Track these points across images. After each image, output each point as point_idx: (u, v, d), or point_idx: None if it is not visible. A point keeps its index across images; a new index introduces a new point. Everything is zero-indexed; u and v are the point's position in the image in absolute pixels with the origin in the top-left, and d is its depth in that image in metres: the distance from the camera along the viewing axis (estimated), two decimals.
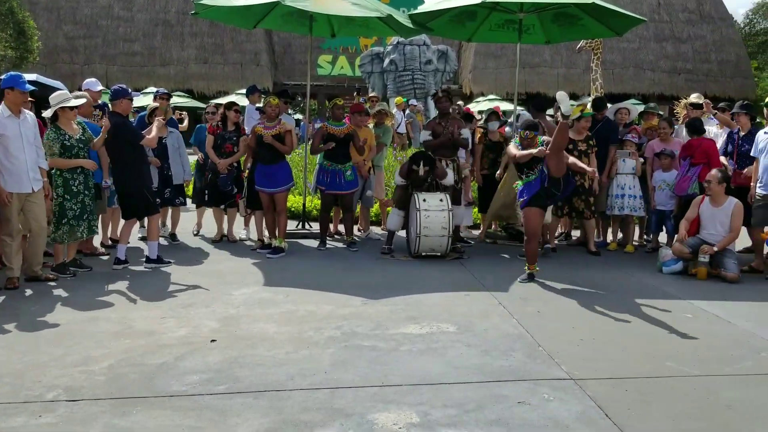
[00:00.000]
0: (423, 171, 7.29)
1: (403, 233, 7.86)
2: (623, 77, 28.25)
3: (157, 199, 7.61)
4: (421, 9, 8.81)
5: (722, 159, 7.60)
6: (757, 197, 6.96)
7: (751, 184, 7.03)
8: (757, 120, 7.63)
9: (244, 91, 25.09)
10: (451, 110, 7.99)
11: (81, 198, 6.25)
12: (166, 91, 8.54)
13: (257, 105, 8.84)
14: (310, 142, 8.32)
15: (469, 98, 26.41)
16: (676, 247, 6.86)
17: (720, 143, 7.89)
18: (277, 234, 7.52)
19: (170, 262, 6.81)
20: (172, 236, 8.04)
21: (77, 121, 6.38)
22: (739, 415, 3.50)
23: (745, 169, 7.21)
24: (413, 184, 7.46)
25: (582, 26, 8.62)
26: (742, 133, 7.52)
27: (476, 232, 8.84)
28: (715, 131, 8.26)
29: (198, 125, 8.09)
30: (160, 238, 7.42)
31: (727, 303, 5.77)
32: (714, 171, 6.87)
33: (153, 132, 6.60)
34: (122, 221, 6.92)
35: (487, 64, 28.40)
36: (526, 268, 6.44)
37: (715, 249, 6.66)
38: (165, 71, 28.42)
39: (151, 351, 4.27)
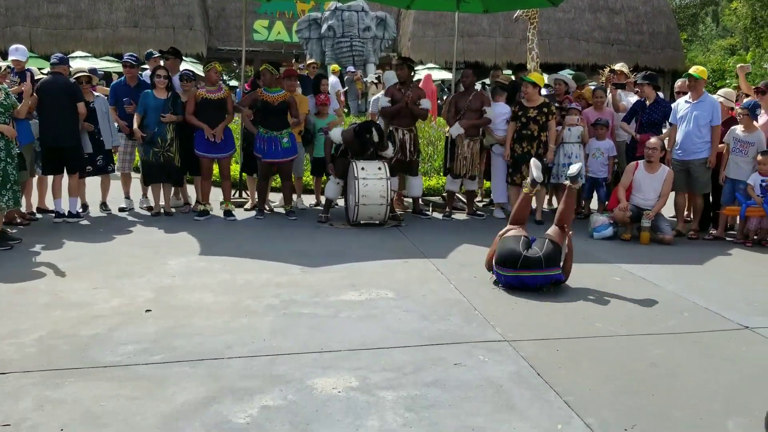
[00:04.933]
0: (377, 137, 7.26)
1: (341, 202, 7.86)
2: (559, 47, 28.66)
3: (89, 167, 7.44)
4: None
5: (625, 125, 7.88)
6: (675, 163, 7.27)
7: (668, 149, 7.33)
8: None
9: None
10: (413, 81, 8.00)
11: (2, 166, 5.98)
12: (135, 56, 8.21)
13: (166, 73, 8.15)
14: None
15: None
16: (618, 214, 7.09)
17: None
18: (223, 198, 7.69)
19: (81, 219, 7.24)
20: (103, 205, 7.79)
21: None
22: (662, 371, 3.68)
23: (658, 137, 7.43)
24: (352, 151, 7.44)
25: None
26: (648, 103, 7.77)
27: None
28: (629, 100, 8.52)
29: (144, 91, 7.66)
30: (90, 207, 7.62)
31: (654, 266, 6.01)
32: (654, 139, 7.12)
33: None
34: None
35: (426, 33, 28.29)
36: None
37: (652, 213, 6.96)
38: (93, 35, 27.18)
39: (83, 322, 4.16)
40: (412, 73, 8.30)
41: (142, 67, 8.96)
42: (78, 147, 7.19)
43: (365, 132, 7.32)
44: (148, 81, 7.66)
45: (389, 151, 7.55)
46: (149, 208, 7.86)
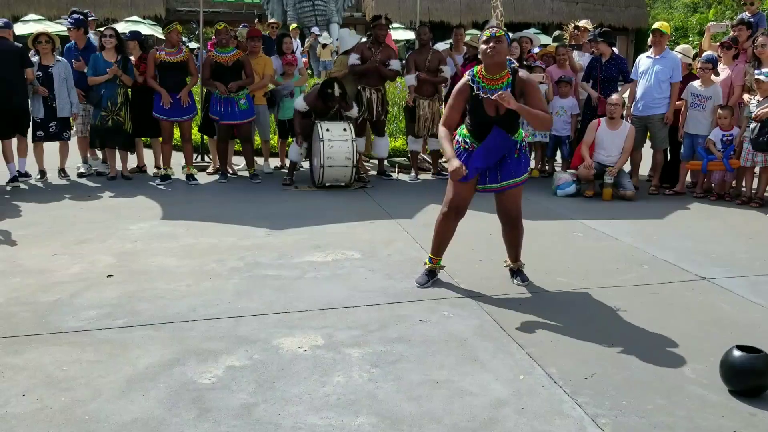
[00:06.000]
0: (338, 92, 7.17)
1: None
2: (524, 6, 28.49)
3: (40, 132, 7.26)
4: None
5: (585, 86, 7.92)
6: (634, 119, 7.37)
7: (628, 105, 7.40)
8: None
9: (135, 18, 23.72)
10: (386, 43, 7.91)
11: None
12: (78, 15, 7.88)
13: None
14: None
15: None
16: (582, 172, 7.16)
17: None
18: (185, 162, 7.61)
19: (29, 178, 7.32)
20: (62, 171, 7.61)
21: None
22: (622, 322, 3.76)
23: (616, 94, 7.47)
24: (317, 113, 7.35)
25: None
26: (603, 60, 7.80)
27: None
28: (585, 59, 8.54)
29: (93, 54, 7.43)
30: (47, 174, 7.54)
31: (614, 221, 6.11)
32: (615, 96, 7.18)
33: None
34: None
35: None
36: None
37: (615, 170, 7.04)
38: None
39: (42, 289, 4.09)
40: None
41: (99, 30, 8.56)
42: (26, 110, 7.17)
43: (327, 87, 7.23)
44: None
45: (353, 111, 7.48)
46: (101, 173, 7.78)
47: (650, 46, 7.45)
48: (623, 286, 4.38)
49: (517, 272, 4.45)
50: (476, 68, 4.06)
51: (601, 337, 3.54)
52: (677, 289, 4.34)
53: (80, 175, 7.71)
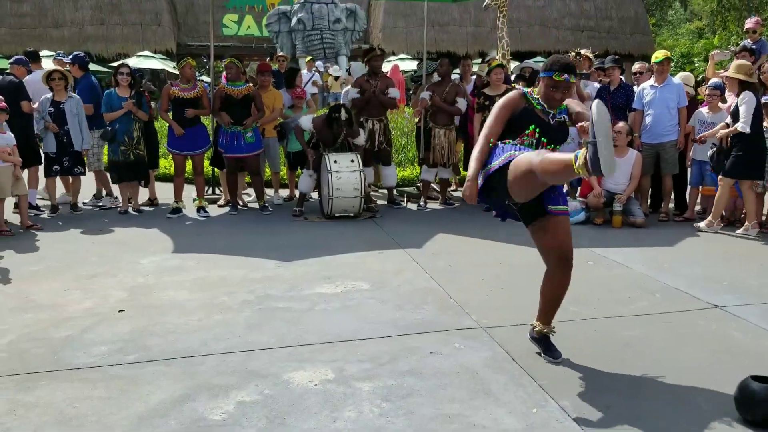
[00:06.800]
0: (344, 116, 7.26)
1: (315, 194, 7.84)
2: (529, 35, 28.78)
3: (56, 167, 7.35)
4: None
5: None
6: (645, 147, 7.39)
7: (635, 134, 7.43)
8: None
9: (146, 53, 24.08)
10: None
11: None
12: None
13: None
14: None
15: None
16: (591, 200, 7.16)
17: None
18: (196, 194, 7.71)
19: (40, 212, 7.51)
20: (74, 206, 7.69)
21: None
22: (634, 351, 3.73)
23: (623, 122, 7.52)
24: (324, 142, 7.41)
25: None
26: (612, 87, 7.86)
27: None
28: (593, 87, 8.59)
29: (107, 91, 7.61)
30: (60, 206, 7.71)
31: (625, 249, 6.09)
32: (622, 123, 7.21)
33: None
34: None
35: (397, 23, 28.24)
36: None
37: (624, 197, 7.05)
38: (59, 33, 26.71)
39: (54, 324, 4.11)
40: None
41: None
42: (27, 143, 7.27)
43: (334, 112, 7.34)
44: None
45: (361, 138, 7.55)
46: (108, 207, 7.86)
47: (636, 73, 7.59)
48: (635, 315, 4.35)
49: (546, 341, 3.69)
50: (528, 89, 3.64)
51: (615, 367, 3.51)
52: (689, 318, 4.30)
53: (101, 207, 7.88)
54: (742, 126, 6.46)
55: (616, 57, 8.35)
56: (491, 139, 3.47)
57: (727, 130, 6.67)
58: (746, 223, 6.74)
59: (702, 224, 6.90)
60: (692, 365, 3.54)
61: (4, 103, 6.73)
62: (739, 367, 3.46)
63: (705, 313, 4.40)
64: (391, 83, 8.08)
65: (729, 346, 3.83)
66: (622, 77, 8.00)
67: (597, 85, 8.37)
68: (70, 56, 8.24)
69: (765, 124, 6.71)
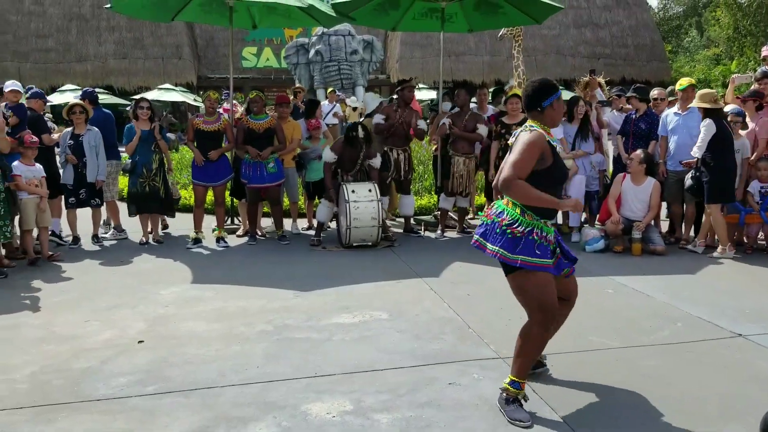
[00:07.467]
0: (362, 134, 7.34)
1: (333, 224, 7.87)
2: (545, 63, 28.95)
3: (72, 199, 7.46)
4: None
5: (619, 142, 7.99)
6: (671, 173, 7.36)
7: (660, 161, 7.41)
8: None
9: (167, 86, 24.51)
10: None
11: None
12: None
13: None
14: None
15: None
16: (610, 227, 7.12)
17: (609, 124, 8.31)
18: (216, 224, 7.79)
19: (63, 243, 7.62)
20: (96, 237, 7.78)
21: None
22: (657, 382, 3.67)
23: (647, 148, 7.54)
24: (344, 163, 7.47)
25: (503, 14, 8.77)
26: (638, 114, 7.89)
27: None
28: (612, 116, 8.61)
29: (128, 125, 7.78)
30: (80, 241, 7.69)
31: (646, 277, 6.03)
32: (638, 151, 7.20)
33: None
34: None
35: (414, 53, 28.58)
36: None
37: (643, 225, 7.01)
38: (82, 67, 27.38)
39: (75, 356, 4.14)
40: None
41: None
42: (50, 174, 7.31)
43: (351, 130, 7.44)
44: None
45: (377, 161, 7.60)
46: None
47: (656, 99, 7.59)
48: (657, 344, 4.30)
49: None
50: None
51: (636, 398, 3.46)
52: (713, 347, 4.24)
53: (117, 236, 7.92)
54: (696, 151, 6.77)
55: (638, 86, 8.37)
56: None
57: (689, 159, 6.96)
58: (720, 246, 6.94)
59: (715, 253, 6.91)
60: (717, 396, 3.48)
61: (36, 138, 6.89)
62: (764, 396, 3.40)
63: (728, 342, 4.33)
64: (417, 115, 8.15)
65: (754, 376, 3.76)
66: (649, 105, 7.99)
67: (617, 113, 8.39)
68: (81, 92, 8.45)
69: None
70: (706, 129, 6.71)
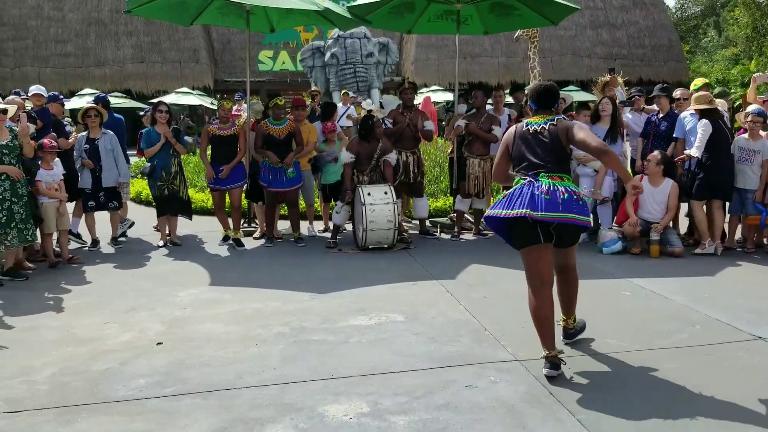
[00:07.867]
0: (379, 112, 7.43)
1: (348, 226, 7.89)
2: (561, 65, 28.84)
3: (91, 202, 7.52)
4: (359, 1, 8.78)
5: (640, 143, 7.93)
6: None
7: (678, 162, 7.36)
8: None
9: (184, 89, 24.69)
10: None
11: (8, 205, 6.10)
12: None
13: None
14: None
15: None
16: (627, 229, 7.07)
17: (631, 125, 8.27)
18: (232, 227, 7.89)
19: (82, 243, 7.80)
20: (114, 240, 7.86)
21: (8, 127, 6.24)
22: (676, 385, 3.64)
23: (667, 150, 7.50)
24: (360, 164, 7.49)
25: (518, 16, 8.74)
26: (660, 115, 7.83)
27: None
28: (631, 117, 8.54)
29: (147, 129, 7.91)
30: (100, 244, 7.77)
31: (663, 279, 5.98)
32: (655, 152, 7.16)
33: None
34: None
35: (429, 56, 28.60)
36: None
37: (661, 227, 6.97)
38: (100, 72, 27.69)
39: (94, 357, 4.18)
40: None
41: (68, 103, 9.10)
42: (70, 178, 7.43)
43: (367, 120, 7.54)
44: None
45: (392, 156, 7.62)
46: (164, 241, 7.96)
47: (679, 99, 7.58)
48: (675, 347, 4.26)
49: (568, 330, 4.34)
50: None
51: (654, 401, 3.43)
52: (732, 350, 4.20)
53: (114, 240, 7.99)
54: (695, 151, 6.92)
55: (665, 85, 8.29)
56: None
57: (683, 154, 7.11)
58: (702, 242, 7.09)
59: (697, 249, 7.12)
60: (735, 399, 3.44)
61: (55, 143, 6.97)
62: None
63: (747, 344, 4.29)
64: (425, 116, 8.16)
65: None
66: (672, 105, 7.93)
67: (636, 114, 8.32)
68: (94, 98, 8.61)
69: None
70: (703, 129, 6.87)
